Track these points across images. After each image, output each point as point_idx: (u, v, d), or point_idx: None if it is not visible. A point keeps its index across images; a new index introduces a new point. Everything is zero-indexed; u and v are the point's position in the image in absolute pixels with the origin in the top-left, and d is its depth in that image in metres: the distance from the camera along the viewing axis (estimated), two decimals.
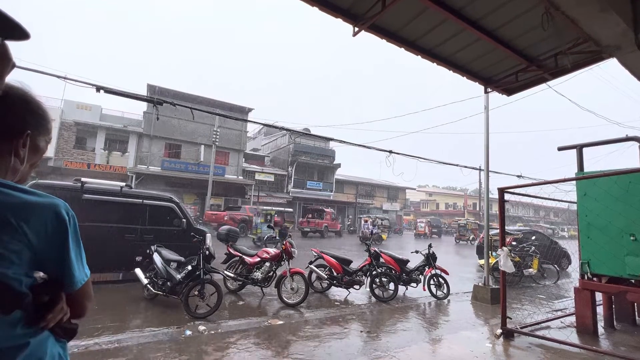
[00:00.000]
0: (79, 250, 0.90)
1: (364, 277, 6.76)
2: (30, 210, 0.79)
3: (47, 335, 0.84)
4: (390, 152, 11.58)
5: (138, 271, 5.61)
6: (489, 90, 6.42)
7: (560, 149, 6.54)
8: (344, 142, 11.54)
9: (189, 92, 26.53)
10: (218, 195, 25.91)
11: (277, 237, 15.79)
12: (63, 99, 23.08)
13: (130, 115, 26.35)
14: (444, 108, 12.57)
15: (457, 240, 27.43)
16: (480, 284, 6.89)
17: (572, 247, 10.40)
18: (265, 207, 19.17)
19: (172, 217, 7.06)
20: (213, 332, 4.18)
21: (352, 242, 20.64)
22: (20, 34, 0.75)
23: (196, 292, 4.89)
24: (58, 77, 7.79)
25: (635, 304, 5.37)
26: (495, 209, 9.45)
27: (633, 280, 4.57)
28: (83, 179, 6.50)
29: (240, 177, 27.77)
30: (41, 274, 0.82)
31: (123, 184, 6.99)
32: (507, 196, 5.00)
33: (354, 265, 6.94)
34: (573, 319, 5.23)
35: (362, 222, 23.82)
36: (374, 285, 6.47)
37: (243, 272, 6.31)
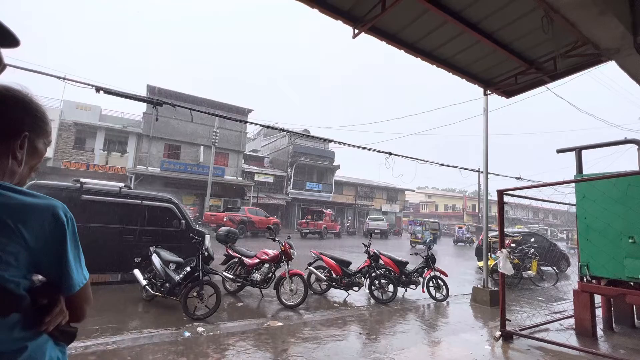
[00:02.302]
0: (77, 253, 0.89)
1: (363, 279, 6.75)
2: (27, 212, 0.78)
3: (45, 339, 0.83)
4: (390, 153, 11.60)
5: (137, 272, 5.59)
6: (489, 92, 6.44)
7: (559, 151, 6.55)
8: (344, 143, 11.55)
9: (189, 92, 26.55)
10: (217, 196, 25.89)
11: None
12: (62, 100, 23.02)
13: (130, 116, 26.33)
14: (444, 110, 12.60)
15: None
16: (479, 286, 6.89)
17: None
18: (424, 219, 29.01)
19: (171, 218, 7.04)
20: (212, 333, 4.17)
21: (352, 243, 20.62)
22: (11, 40, 0.75)
23: (195, 294, 4.88)
24: (57, 77, 7.79)
25: (634, 306, 5.38)
26: (494, 211, 9.44)
27: (632, 283, 4.57)
28: (82, 180, 6.48)
29: (240, 178, 27.75)
30: (39, 276, 0.82)
31: (122, 184, 6.97)
32: (506, 198, 5.01)
33: (353, 267, 6.93)
34: (572, 321, 5.23)
35: (457, 228, 29.89)
36: (373, 287, 6.46)
37: (242, 273, 6.29)
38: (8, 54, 0.79)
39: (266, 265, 6.10)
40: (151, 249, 5.79)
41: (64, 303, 0.87)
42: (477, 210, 44.36)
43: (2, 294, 0.73)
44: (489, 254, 7.27)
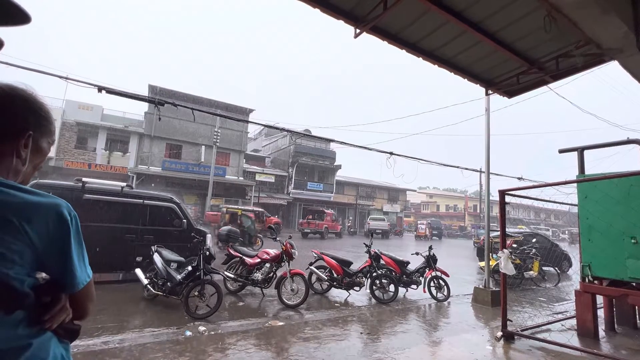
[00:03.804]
0: (81, 251, 0.89)
1: (364, 279, 6.75)
2: (32, 210, 0.79)
3: (49, 337, 0.84)
4: (391, 153, 11.60)
5: (138, 271, 5.61)
6: (490, 92, 6.42)
7: (561, 151, 6.52)
8: (345, 143, 11.54)
9: (190, 92, 26.61)
10: (218, 196, 25.92)
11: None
12: (65, 99, 23.19)
13: (132, 116, 26.45)
14: (445, 110, 12.59)
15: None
16: (480, 287, 6.88)
17: None
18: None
19: (173, 218, 7.06)
20: (213, 332, 4.18)
21: (353, 243, 20.61)
22: (21, 17, 0.72)
23: (196, 293, 4.89)
24: (60, 77, 7.82)
25: (636, 307, 5.35)
26: (495, 211, 9.43)
27: (634, 284, 4.55)
28: (84, 179, 6.51)
29: (241, 178, 27.79)
30: (43, 274, 0.82)
31: (124, 184, 6.99)
32: (508, 198, 5.00)
33: (354, 267, 6.93)
34: (574, 321, 5.21)
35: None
36: (374, 287, 6.46)
37: (243, 273, 6.30)
38: (9, 51, 0.78)
39: (267, 264, 6.11)
40: (153, 248, 5.81)
41: (67, 301, 0.88)
42: (478, 211, 44.29)
43: (6, 291, 0.73)
44: (491, 254, 7.26)
